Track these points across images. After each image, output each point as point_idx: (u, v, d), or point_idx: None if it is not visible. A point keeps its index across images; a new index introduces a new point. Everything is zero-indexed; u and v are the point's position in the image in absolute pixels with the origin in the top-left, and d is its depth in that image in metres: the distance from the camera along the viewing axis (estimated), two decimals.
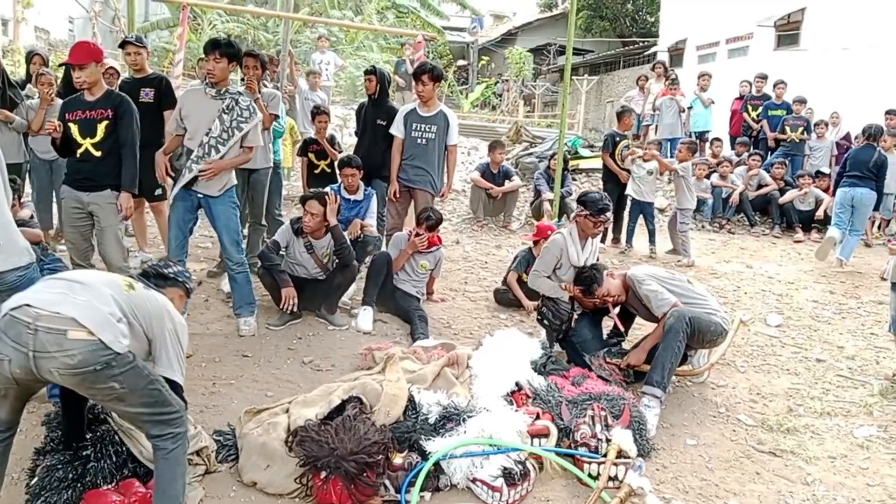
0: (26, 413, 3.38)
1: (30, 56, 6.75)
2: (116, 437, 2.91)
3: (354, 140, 7.24)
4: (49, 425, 3.10)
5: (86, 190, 4.48)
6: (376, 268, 5.37)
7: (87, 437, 2.90)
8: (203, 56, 4.94)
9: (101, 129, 4.42)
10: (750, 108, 11.58)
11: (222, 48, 4.51)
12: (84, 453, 2.83)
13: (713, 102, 11.56)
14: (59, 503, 2.70)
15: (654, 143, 8.53)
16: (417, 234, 5.48)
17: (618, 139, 8.24)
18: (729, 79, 13.49)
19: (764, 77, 11.65)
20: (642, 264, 6.20)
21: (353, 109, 9.18)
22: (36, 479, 2.79)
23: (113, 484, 2.79)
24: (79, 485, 2.74)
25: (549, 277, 4.80)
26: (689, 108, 11.55)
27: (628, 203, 8.23)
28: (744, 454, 3.70)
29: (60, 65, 5.51)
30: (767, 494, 3.32)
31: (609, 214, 4.80)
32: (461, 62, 30.84)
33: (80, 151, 4.44)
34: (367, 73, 6.77)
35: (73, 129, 4.43)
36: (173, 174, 4.97)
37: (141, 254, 6.24)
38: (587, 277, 4.44)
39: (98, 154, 4.44)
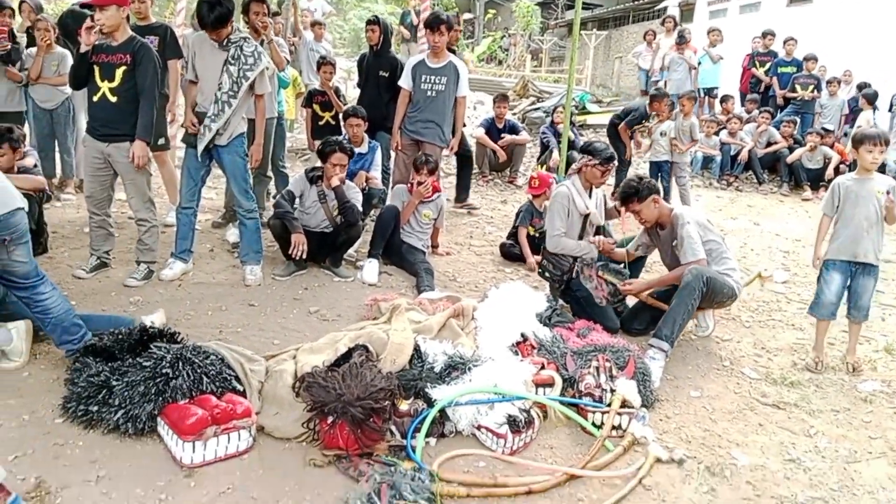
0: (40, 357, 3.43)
1: (19, 4, 6.60)
2: (191, 357, 3.08)
3: (358, 93, 7.15)
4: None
5: (105, 140, 4.45)
6: (384, 221, 5.34)
7: (167, 356, 3.04)
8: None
9: (118, 74, 4.37)
10: (758, 63, 11.41)
11: (208, 22, 4.40)
12: (163, 371, 2.97)
13: (721, 59, 11.37)
14: (142, 415, 2.88)
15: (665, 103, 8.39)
16: (420, 183, 5.43)
17: (643, 121, 7.98)
18: (740, 35, 13.24)
19: (772, 34, 11.45)
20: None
21: (357, 61, 9.04)
22: (116, 393, 2.94)
23: (189, 399, 2.95)
24: (160, 399, 2.92)
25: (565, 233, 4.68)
26: (698, 64, 11.37)
27: (637, 164, 8.18)
28: (747, 406, 3.72)
29: (83, 5, 5.45)
30: (770, 445, 3.35)
31: (616, 163, 4.74)
32: (467, 15, 30.27)
33: (97, 95, 4.40)
34: (369, 23, 6.62)
35: (96, 71, 4.38)
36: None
37: (174, 209, 6.12)
38: (633, 187, 4.32)
39: (114, 99, 4.39)
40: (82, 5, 5.60)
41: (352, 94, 10.39)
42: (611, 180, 7.62)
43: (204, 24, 4.44)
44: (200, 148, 4.57)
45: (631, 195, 4.32)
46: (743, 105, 11.47)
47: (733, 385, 3.95)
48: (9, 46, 5.92)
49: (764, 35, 11.48)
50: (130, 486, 2.63)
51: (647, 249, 4.67)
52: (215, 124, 4.51)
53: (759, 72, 11.34)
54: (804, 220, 8.16)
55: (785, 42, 11.05)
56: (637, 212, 4.35)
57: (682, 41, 11.24)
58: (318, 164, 5.25)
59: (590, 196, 4.73)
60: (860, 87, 10.76)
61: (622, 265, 4.61)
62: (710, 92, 11.63)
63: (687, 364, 4.15)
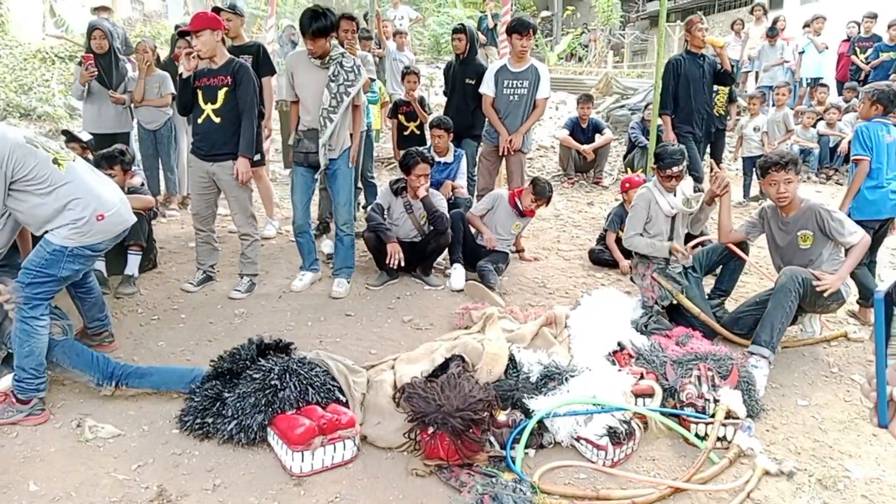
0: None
1: (91, 30, 6.66)
2: (297, 369, 3.21)
3: (442, 99, 7.21)
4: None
5: (210, 160, 4.68)
6: (454, 226, 5.37)
7: (275, 368, 3.18)
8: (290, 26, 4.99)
9: (221, 95, 4.58)
10: (858, 50, 10.82)
11: (307, 30, 4.50)
12: (272, 383, 3.12)
13: (827, 48, 10.82)
14: (254, 425, 3.04)
15: (756, 97, 8.10)
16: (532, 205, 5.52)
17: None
18: (835, 20, 12.60)
19: (873, 16, 10.83)
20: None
21: (437, 68, 9.11)
22: (229, 405, 3.10)
23: (296, 410, 3.08)
24: (269, 410, 3.06)
25: (642, 234, 4.58)
26: (801, 53, 10.87)
27: (739, 159, 7.95)
28: (859, 415, 3.55)
29: (181, 33, 5.75)
30: (886, 457, 3.19)
31: (677, 168, 4.52)
32: (545, 13, 29.92)
33: (202, 118, 4.62)
34: (455, 31, 6.65)
35: (199, 94, 4.61)
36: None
37: (271, 222, 6.44)
38: (796, 157, 4.17)
39: (218, 120, 4.60)
40: (180, 33, 5.90)
41: (434, 100, 10.49)
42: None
43: (303, 31, 4.54)
44: (323, 163, 4.72)
45: (793, 163, 4.10)
46: (840, 94, 10.92)
47: (843, 393, 3.78)
48: (96, 73, 6.26)
49: (866, 18, 10.87)
50: (245, 494, 2.77)
51: (751, 230, 4.44)
52: (321, 140, 4.65)
53: (859, 59, 10.76)
54: None
55: (889, 26, 10.43)
56: (788, 181, 4.09)
57: (773, 33, 10.80)
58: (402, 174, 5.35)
59: (674, 195, 4.60)
60: None
61: (681, 273, 4.45)
62: (814, 83, 11.11)
63: (793, 371, 4.00)
